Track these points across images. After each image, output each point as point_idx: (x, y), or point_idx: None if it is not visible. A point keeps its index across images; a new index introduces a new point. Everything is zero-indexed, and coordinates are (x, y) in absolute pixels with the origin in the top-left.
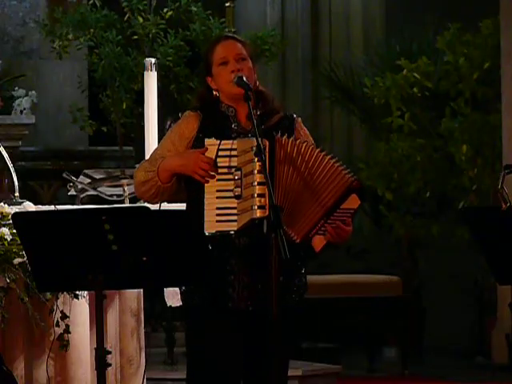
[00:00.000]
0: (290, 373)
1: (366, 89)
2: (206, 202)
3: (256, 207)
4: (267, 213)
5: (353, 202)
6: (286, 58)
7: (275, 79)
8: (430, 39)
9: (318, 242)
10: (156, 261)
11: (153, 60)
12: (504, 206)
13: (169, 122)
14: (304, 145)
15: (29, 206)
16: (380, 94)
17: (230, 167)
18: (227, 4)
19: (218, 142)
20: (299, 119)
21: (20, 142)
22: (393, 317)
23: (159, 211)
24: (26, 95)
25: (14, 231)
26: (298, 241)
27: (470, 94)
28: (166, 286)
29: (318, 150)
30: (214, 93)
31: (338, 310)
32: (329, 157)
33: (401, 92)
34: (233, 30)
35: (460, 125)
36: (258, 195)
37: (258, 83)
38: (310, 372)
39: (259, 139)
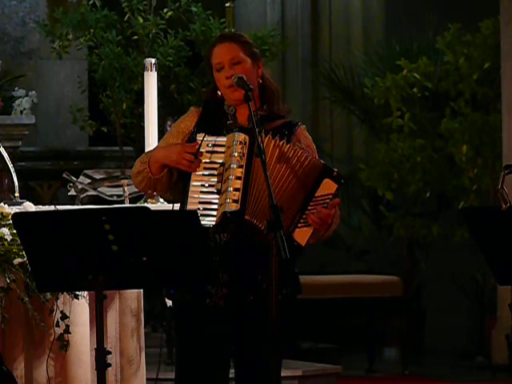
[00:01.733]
0: (290, 373)
1: (366, 89)
2: (189, 195)
3: (230, 200)
4: (239, 207)
5: (328, 187)
6: (286, 58)
7: (275, 79)
8: (429, 39)
9: (302, 236)
10: (156, 261)
11: (153, 60)
12: (504, 206)
13: (169, 122)
14: (285, 144)
15: (29, 206)
16: (380, 94)
17: (214, 163)
18: (227, 4)
19: (203, 136)
20: (303, 127)
21: (20, 143)
22: (393, 317)
23: (159, 211)
24: (26, 95)
25: (14, 231)
26: None
27: (470, 94)
28: (166, 286)
29: (296, 148)
30: (219, 92)
31: (338, 310)
32: (302, 151)
33: (401, 92)
34: (233, 30)
35: (460, 125)
36: (234, 189)
37: (265, 80)
38: (310, 372)
39: (259, 139)
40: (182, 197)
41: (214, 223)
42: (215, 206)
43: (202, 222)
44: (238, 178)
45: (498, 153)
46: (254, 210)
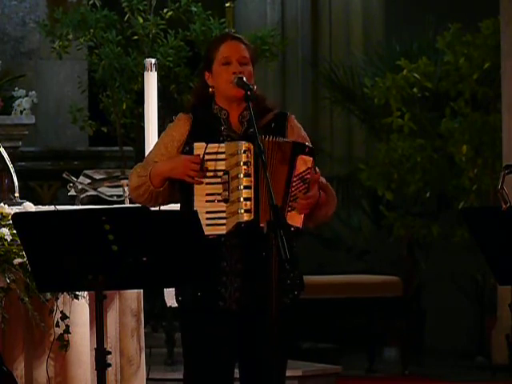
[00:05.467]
0: (290, 373)
1: (366, 89)
2: (195, 205)
3: (242, 211)
4: (253, 216)
5: (304, 162)
6: (286, 58)
7: (275, 79)
8: (429, 39)
9: (296, 218)
10: (156, 261)
11: (153, 60)
12: (504, 206)
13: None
14: (282, 140)
15: (29, 207)
16: (380, 94)
17: (217, 171)
18: (227, 4)
19: (205, 145)
20: (292, 116)
21: (20, 143)
22: (393, 317)
23: (159, 211)
24: (26, 95)
25: (14, 231)
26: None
27: (470, 94)
28: (166, 286)
29: (271, 139)
30: (210, 89)
31: (338, 310)
32: (274, 139)
33: (401, 92)
34: (233, 30)
35: (460, 125)
36: (245, 199)
37: (255, 87)
38: (310, 372)
39: (258, 141)
40: (185, 206)
41: (224, 232)
42: (223, 215)
43: (212, 232)
44: (247, 187)
45: (497, 153)
46: (267, 216)
